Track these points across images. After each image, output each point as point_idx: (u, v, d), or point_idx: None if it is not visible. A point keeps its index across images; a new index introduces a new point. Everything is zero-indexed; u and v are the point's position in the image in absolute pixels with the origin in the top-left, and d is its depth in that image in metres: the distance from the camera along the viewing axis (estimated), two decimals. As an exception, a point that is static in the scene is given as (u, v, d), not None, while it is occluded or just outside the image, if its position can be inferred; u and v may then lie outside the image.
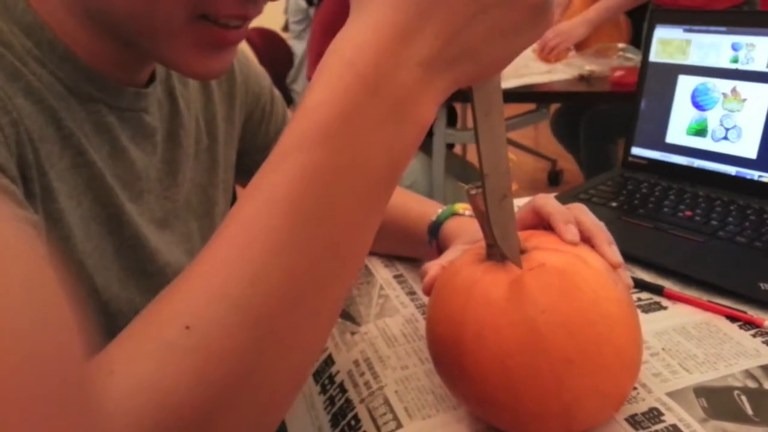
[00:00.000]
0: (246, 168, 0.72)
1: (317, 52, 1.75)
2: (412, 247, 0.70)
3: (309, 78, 1.83)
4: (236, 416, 0.29)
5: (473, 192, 0.43)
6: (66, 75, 0.45)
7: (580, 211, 0.51)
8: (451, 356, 0.44)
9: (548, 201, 0.51)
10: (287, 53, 2.81)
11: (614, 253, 0.48)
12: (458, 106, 2.59)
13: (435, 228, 0.63)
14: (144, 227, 0.52)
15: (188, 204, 0.59)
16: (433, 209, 0.65)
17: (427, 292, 0.51)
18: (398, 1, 0.30)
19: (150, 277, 0.53)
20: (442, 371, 0.47)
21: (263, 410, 0.31)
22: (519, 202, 0.69)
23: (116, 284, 0.50)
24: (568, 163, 3.00)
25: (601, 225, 0.51)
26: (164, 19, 0.42)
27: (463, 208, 0.63)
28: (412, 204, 0.68)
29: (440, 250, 0.62)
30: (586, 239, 0.48)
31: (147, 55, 0.48)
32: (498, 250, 0.43)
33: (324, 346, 0.33)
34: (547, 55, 1.97)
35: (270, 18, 2.83)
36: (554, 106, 2.49)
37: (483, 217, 0.43)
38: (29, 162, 0.42)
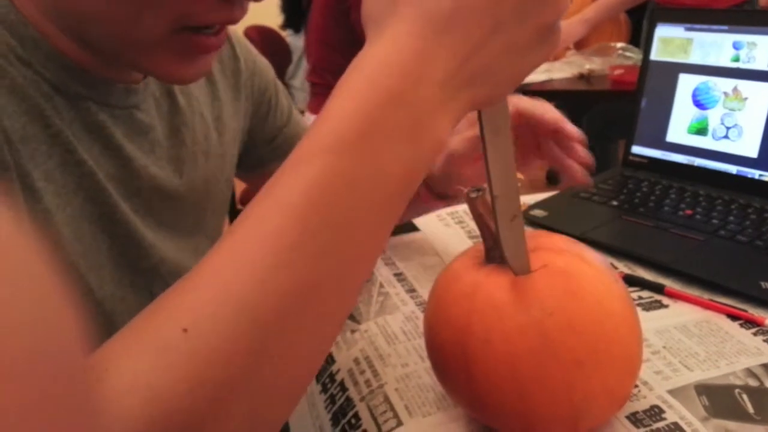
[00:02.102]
0: (251, 162, 0.72)
1: (315, 58, 1.78)
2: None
3: (309, 81, 1.84)
4: (231, 422, 0.29)
5: (473, 195, 0.42)
6: (52, 74, 0.44)
7: (543, 109, 0.58)
8: (456, 364, 0.43)
9: (535, 107, 0.58)
10: (285, 50, 2.80)
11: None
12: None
13: None
14: (139, 224, 0.52)
15: (195, 201, 0.59)
16: None
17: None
18: (416, 21, 0.31)
19: (143, 273, 0.52)
20: (446, 379, 0.46)
21: (260, 418, 0.30)
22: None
23: (110, 283, 0.49)
24: (567, 162, 3.00)
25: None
26: (144, 35, 0.42)
27: None
28: None
29: (430, 189, 0.65)
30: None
31: (123, 63, 0.48)
32: (498, 252, 0.43)
33: (326, 356, 0.33)
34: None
35: (268, 16, 2.82)
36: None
37: (481, 220, 0.43)
38: (7, 163, 0.41)
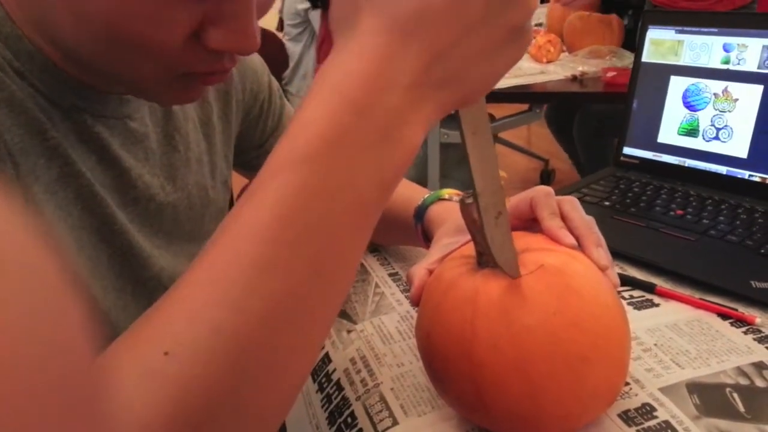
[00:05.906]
0: (242, 164, 0.72)
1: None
2: (399, 233, 0.68)
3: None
4: None
5: (468, 201, 0.43)
6: (47, 87, 0.44)
7: (572, 207, 0.51)
8: (461, 371, 0.42)
9: (547, 201, 0.51)
10: (283, 54, 2.80)
11: (600, 256, 0.47)
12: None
13: (421, 212, 0.63)
14: (138, 234, 0.52)
15: (191, 208, 0.59)
16: (420, 194, 0.65)
17: (416, 301, 0.49)
18: (382, 26, 0.30)
19: (145, 283, 0.52)
20: (448, 386, 0.45)
21: None
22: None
23: (112, 292, 0.50)
24: (560, 163, 3.02)
25: (591, 223, 0.50)
26: (144, 79, 0.43)
27: (449, 193, 0.63)
28: (401, 189, 0.67)
29: (425, 234, 0.62)
30: (575, 238, 0.48)
31: (122, 87, 0.49)
32: (491, 258, 0.43)
33: (312, 368, 0.32)
34: (565, 4, 2.06)
35: (266, 19, 2.82)
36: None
37: (474, 227, 0.43)
38: (10, 177, 0.41)
